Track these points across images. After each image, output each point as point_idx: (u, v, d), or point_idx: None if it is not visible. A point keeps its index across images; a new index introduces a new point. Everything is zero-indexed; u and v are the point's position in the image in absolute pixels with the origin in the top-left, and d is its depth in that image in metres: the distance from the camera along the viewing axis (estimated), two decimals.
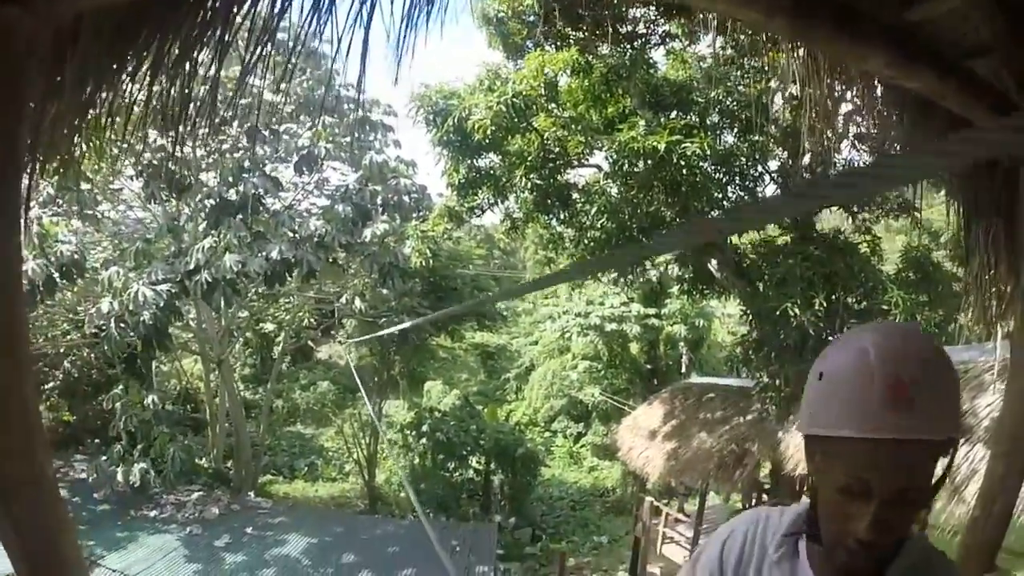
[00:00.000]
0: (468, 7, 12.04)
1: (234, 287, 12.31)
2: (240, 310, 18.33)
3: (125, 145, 14.37)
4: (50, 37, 1.71)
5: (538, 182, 11.80)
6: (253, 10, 2.18)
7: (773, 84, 10.24)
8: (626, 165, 11.06)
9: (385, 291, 16.23)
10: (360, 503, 20.21)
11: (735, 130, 11.51)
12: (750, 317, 11.70)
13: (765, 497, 13.03)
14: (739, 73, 10.98)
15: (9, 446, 1.42)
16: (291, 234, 13.65)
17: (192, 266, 11.92)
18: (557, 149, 11.82)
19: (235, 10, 2.16)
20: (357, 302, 16.30)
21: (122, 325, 10.94)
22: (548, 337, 25.91)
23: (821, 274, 10.08)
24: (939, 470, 1.13)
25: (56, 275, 11.35)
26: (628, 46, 11.58)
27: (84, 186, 13.12)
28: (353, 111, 15.97)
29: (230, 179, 13.24)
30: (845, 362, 1.10)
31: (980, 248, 3.50)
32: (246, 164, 13.51)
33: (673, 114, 10.80)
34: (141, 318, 10.88)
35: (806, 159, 12.02)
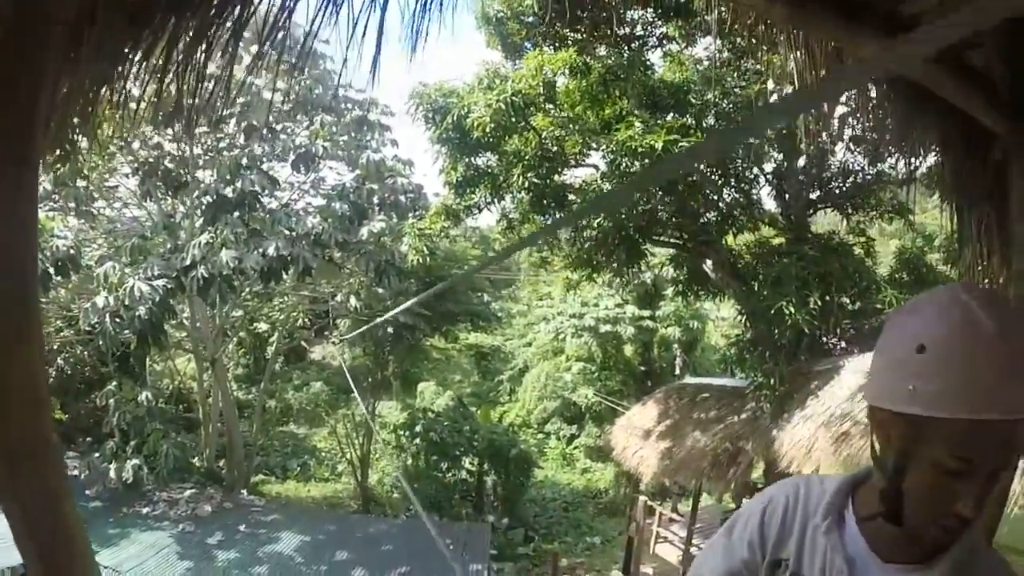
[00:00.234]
0: (469, 6, 12.17)
1: (230, 283, 12.30)
2: (234, 309, 18.30)
3: (123, 142, 14.43)
4: (66, 29, 1.73)
5: (535, 181, 11.83)
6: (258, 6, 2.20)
7: (770, 85, 10.37)
8: (623, 164, 11.14)
9: (380, 290, 16.23)
10: (353, 503, 20.17)
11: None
12: (745, 317, 11.77)
13: None
14: (736, 75, 11.08)
15: (20, 418, 1.45)
16: (288, 231, 13.67)
17: (188, 262, 11.89)
18: (555, 148, 11.88)
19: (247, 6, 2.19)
20: (352, 301, 16.28)
21: (117, 320, 10.90)
22: (542, 339, 25.94)
23: (816, 274, 10.16)
24: None
25: (51, 270, 11.34)
26: (626, 48, 11.68)
27: (80, 183, 13.10)
28: (351, 110, 16.04)
29: (227, 176, 13.26)
30: (953, 334, 1.01)
31: (972, 239, 3.56)
32: (244, 161, 13.51)
33: (670, 115, 10.86)
34: (136, 313, 10.84)
35: (801, 160, 12.15)
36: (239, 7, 2.25)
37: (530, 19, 11.82)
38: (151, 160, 14.28)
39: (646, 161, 10.66)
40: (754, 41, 9.66)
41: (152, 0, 2.07)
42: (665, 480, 13.90)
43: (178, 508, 13.45)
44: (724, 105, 11.02)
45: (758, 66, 10.43)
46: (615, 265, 12.88)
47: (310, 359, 25.85)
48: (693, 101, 11.01)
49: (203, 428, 17.05)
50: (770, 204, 12.85)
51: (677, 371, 22.87)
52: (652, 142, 9.85)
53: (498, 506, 20.20)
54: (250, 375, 23.44)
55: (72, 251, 11.42)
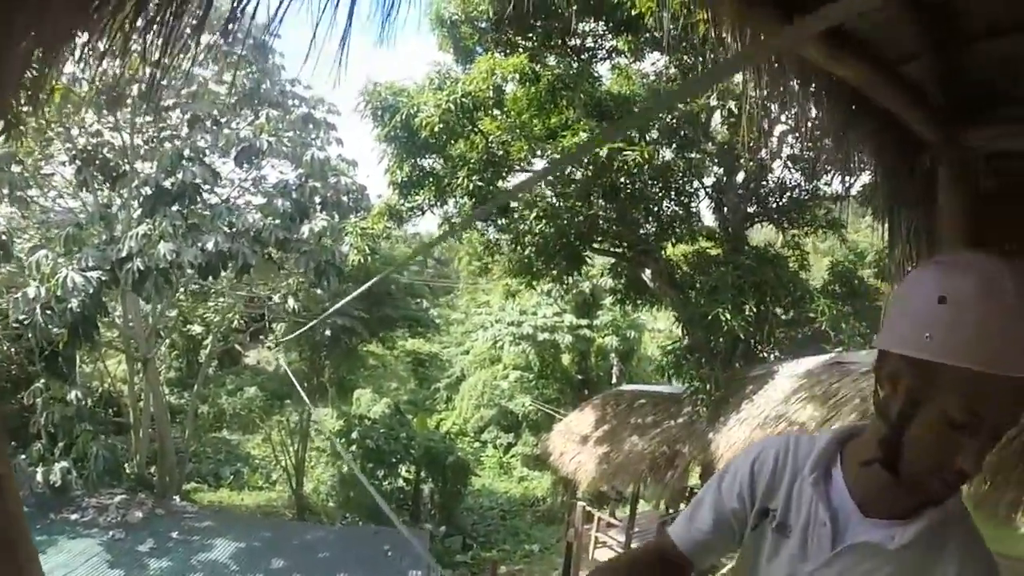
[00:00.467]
0: (424, 7, 12.22)
1: (167, 277, 11.93)
2: (169, 308, 17.75)
3: (62, 127, 13.84)
4: None
5: (479, 184, 11.87)
6: None
7: (713, 102, 10.73)
8: (567, 171, 11.35)
9: (319, 291, 15.99)
10: (288, 512, 19.73)
11: (673, 146, 11.91)
12: (682, 324, 12.08)
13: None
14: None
15: None
16: (227, 228, 13.36)
17: (124, 254, 11.49)
18: (500, 153, 11.98)
19: None
20: (290, 301, 16.00)
21: (48, 312, 10.43)
22: (480, 347, 25.95)
23: (751, 282, 10.53)
24: None
25: None
26: (575, 59, 11.91)
27: (15, 168, 12.50)
28: (298, 107, 15.86)
29: (168, 167, 12.87)
30: (975, 289, 1.03)
31: (902, 241, 3.81)
32: (186, 153, 13.14)
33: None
34: (69, 306, 10.42)
35: (740, 175, 12.60)
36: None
37: (483, 24, 11.92)
38: (89, 148, 13.77)
39: (589, 168, 10.92)
40: (700, 59, 10.04)
41: None
42: (603, 485, 14.05)
43: (108, 514, 12.90)
44: (668, 120, 11.31)
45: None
46: (555, 272, 13.04)
47: (244, 363, 25.23)
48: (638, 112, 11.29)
49: (133, 432, 16.40)
50: (709, 217, 13.26)
51: (614, 380, 23.22)
52: (597, 150, 10.08)
53: (435, 514, 20.09)
54: (182, 379, 22.69)
55: (3, 238, 10.87)
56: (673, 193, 12.32)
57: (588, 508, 15.05)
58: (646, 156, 10.04)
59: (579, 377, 24.06)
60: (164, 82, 14.24)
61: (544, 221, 11.75)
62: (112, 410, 17.13)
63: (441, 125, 10.77)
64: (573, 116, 11.34)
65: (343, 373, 23.74)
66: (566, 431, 15.47)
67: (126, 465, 15.84)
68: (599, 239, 12.77)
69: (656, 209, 12.25)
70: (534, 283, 14.39)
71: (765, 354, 11.81)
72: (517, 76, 11.26)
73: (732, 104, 9.90)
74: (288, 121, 15.71)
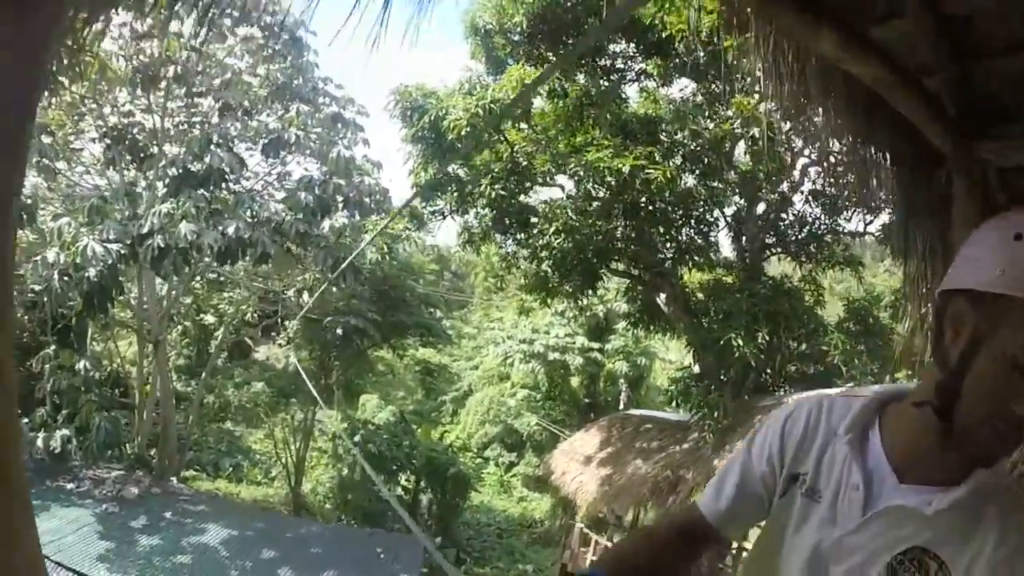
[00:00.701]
0: (459, 16, 12.40)
1: (185, 257, 12.06)
2: (184, 294, 17.90)
3: (94, 103, 14.12)
4: None
5: (502, 193, 11.95)
6: None
7: (738, 129, 10.74)
8: (589, 185, 11.37)
9: (335, 288, 16.06)
10: (284, 509, 19.65)
11: (696, 172, 11.90)
12: (693, 350, 11.99)
13: None
14: (707, 120, 11.41)
15: None
16: (249, 216, 13.50)
17: (146, 230, 11.62)
18: (524, 163, 12.04)
19: None
20: (305, 296, 16.07)
21: (65, 279, 10.56)
22: (489, 362, 25.90)
23: (766, 312, 10.44)
24: None
25: None
26: (604, 78, 11.98)
27: (45, 139, 12.73)
28: (328, 105, 16.05)
29: (196, 151, 13.06)
30: None
31: (916, 253, 3.76)
32: (215, 139, 13.34)
33: (640, 146, 11.13)
34: (86, 274, 10.54)
35: (761, 207, 12.56)
36: None
37: (516, 37, 12.04)
38: (120, 127, 14.00)
39: (612, 183, 10.92)
40: (727, 86, 10.06)
41: None
42: (603, 507, 13.87)
43: (104, 487, 12.90)
44: (692, 146, 11.28)
45: (728, 112, 10.82)
46: (570, 289, 13.03)
47: (254, 358, 25.27)
48: (663, 138, 11.28)
49: (137, 413, 16.45)
50: (727, 245, 13.22)
51: (621, 406, 23.00)
52: (619, 165, 10.10)
53: (432, 525, 19.93)
54: (191, 367, 22.75)
55: (29, 201, 11.02)
56: (693, 220, 12.29)
57: (586, 531, 14.88)
58: (668, 176, 10.02)
59: (587, 400, 23.91)
60: (199, 68, 14.67)
61: (563, 236, 11.74)
62: (119, 390, 17.21)
63: (468, 129, 10.86)
64: (598, 135, 11.38)
65: (351, 376, 23.72)
66: (570, 451, 15.37)
67: (127, 445, 15.87)
68: (616, 258, 12.75)
69: (675, 233, 12.23)
70: (549, 300, 14.39)
71: (775, 387, 11.66)
72: (545, 91, 11.35)
73: (756, 131, 9.91)
74: (317, 118, 15.89)
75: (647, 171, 10.09)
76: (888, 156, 3.87)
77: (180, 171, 12.79)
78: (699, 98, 11.71)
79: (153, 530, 12.13)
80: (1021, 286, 1.01)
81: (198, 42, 13.46)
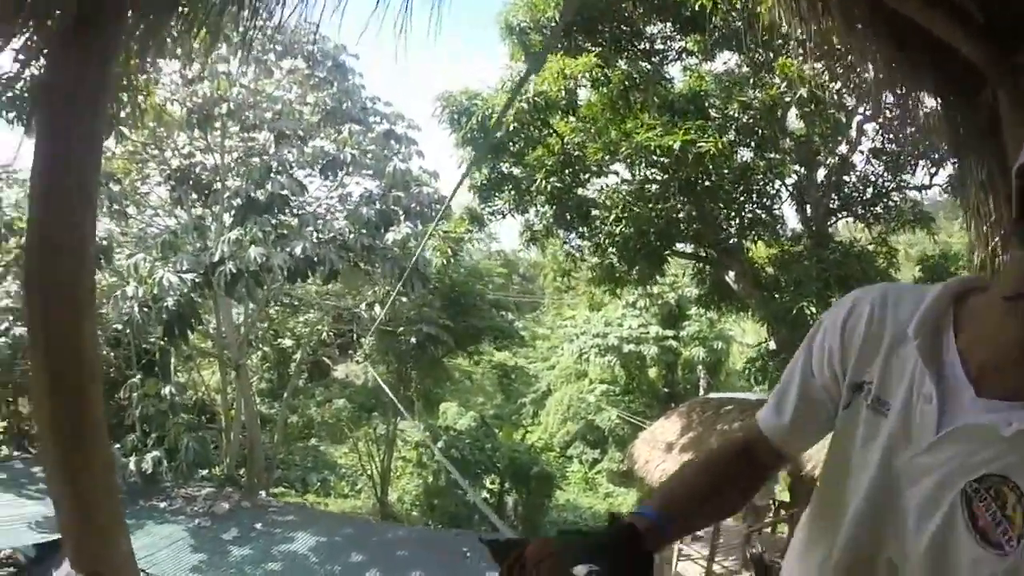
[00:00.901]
0: (494, 19, 12.49)
1: (257, 279, 12.57)
2: (260, 320, 18.59)
3: (156, 149, 14.95)
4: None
5: (558, 186, 11.95)
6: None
7: (786, 95, 10.45)
8: (643, 167, 11.27)
9: (405, 299, 16.41)
10: (371, 519, 20.15)
11: (752, 146, 11.63)
12: (767, 325, 11.72)
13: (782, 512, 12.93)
14: (754, 90, 11.14)
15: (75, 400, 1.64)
16: (315, 235, 13.98)
17: (217, 257, 12.18)
18: (577, 154, 12.01)
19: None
20: (377, 309, 16.47)
21: (145, 310, 11.17)
22: (565, 360, 25.88)
23: (836, 276, 10.13)
24: None
25: None
26: (645, 62, 11.85)
27: (113, 187, 13.50)
28: (379, 123, 16.47)
29: (257, 180, 13.64)
30: None
31: (974, 178, 3.59)
32: (274, 166, 13.90)
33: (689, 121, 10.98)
34: (165, 303, 11.12)
35: (821, 172, 12.19)
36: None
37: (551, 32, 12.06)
38: (183, 168, 14.73)
39: (664, 162, 10.79)
40: (770, 53, 9.81)
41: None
42: None
43: (195, 504, 13.48)
44: (744, 119, 11.04)
45: (776, 79, 10.54)
46: (637, 275, 12.92)
47: (333, 376, 26.00)
48: (713, 114, 11.09)
49: (224, 436, 17.17)
50: (791, 216, 12.90)
51: (701, 393, 22.63)
52: (670, 142, 9.97)
53: (518, 525, 20.03)
54: (273, 390, 23.58)
55: (104, 242, 11.69)
56: (754, 195, 12.03)
57: None
58: (719, 147, 9.83)
59: (665, 390, 23.62)
60: (251, 103, 15.32)
61: (623, 222, 11.65)
62: (205, 416, 18.04)
63: (516, 124, 10.94)
64: (647, 118, 11.26)
65: (429, 385, 24.07)
66: (651, 439, 15.18)
67: (216, 467, 16.61)
68: (680, 239, 12.60)
69: (737, 209, 12.00)
70: (618, 290, 14.31)
71: None
72: (588, 79, 11.32)
73: (803, 91, 9.62)
74: (370, 137, 16.30)
75: (698, 145, 9.93)
76: (932, 88, 3.74)
77: (244, 200, 13.37)
78: (744, 69, 11.45)
79: (244, 541, 12.54)
80: None
81: (246, 79, 14.12)
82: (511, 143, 11.68)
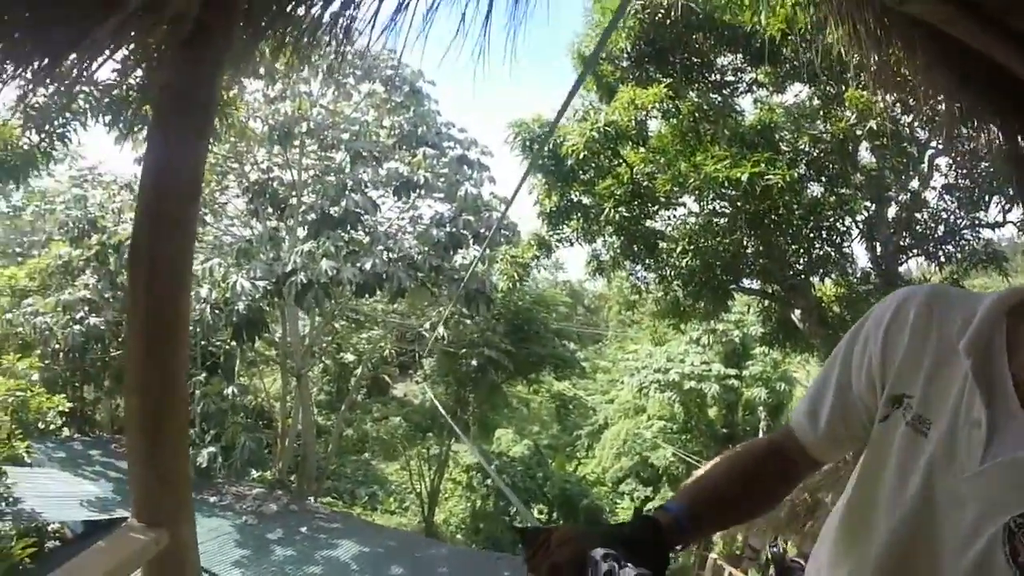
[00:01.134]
0: (566, 50, 12.76)
1: (327, 291, 13.03)
2: (324, 333, 19.14)
3: (235, 162, 15.77)
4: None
5: (626, 215, 12.00)
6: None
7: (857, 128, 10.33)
8: (711, 198, 11.26)
9: (468, 322, 16.68)
10: (417, 535, 20.29)
11: (822, 180, 11.50)
12: None
13: None
14: (826, 124, 11.05)
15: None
16: (385, 253, 14.43)
17: (289, 268, 12.71)
18: (646, 184, 12.08)
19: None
20: (441, 329, 16.78)
21: (216, 312, 11.73)
22: (625, 395, 25.61)
23: None
24: None
25: None
26: (716, 95, 11.89)
27: None
28: (453, 148, 16.93)
29: (333, 197, 14.19)
30: None
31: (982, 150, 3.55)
32: (349, 184, 14.45)
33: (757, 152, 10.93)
34: (236, 307, 11.66)
35: (892, 208, 11.92)
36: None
37: (624, 63, 12.21)
38: (260, 182, 15.44)
39: (732, 195, 10.76)
40: (842, 85, 9.74)
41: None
42: (738, 539, 13.34)
43: (244, 502, 13.85)
44: (814, 153, 10.95)
45: (848, 112, 10.44)
46: (702, 310, 12.83)
47: (392, 394, 26.43)
48: (783, 147, 11.03)
49: (280, 442, 17.63)
50: (860, 253, 12.62)
51: (761, 435, 22.07)
52: (738, 174, 9.95)
53: None
54: (331, 402, 24.08)
55: None
56: (824, 231, 11.85)
57: (720, 562, 14.30)
58: (788, 180, 9.76)
59: (724, 430, 23.09)
60: (330, 123, 16.00)
61: (690, 255, 11.64)
62: (262, 421, 18.62)
63: (586, 153, 11.10)
64: (717, 150, 11.25)
65: (486, 411, 24.20)
66: None
67: (268, 470, 17.07)
68: (746, 274, 12.48)
69: (806, 245, 11.83)
70: (682, 325, 14.21)
71: None
72: (658, 111, 11.42)
73: (874, 124, 9.49)
74: (443, 161, 16.73)
75: (766, 178, 9.89)
76: (998, 122, 3.72)
77: (319, 215, 13.93)
78: (815, 101, 11.37)
79: (288, 542, 12.80)
80: None
81: (326, 100, 14.80)
82: (581, 171, 11.81)
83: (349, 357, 23.10)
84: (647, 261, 12.94)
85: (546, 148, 11.77)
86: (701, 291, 12.03)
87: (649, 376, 22.32)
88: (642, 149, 12.01)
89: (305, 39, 2.89)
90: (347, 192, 14.22)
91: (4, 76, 2.25)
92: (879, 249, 11.79)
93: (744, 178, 9.76)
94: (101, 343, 14.40)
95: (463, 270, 15.24)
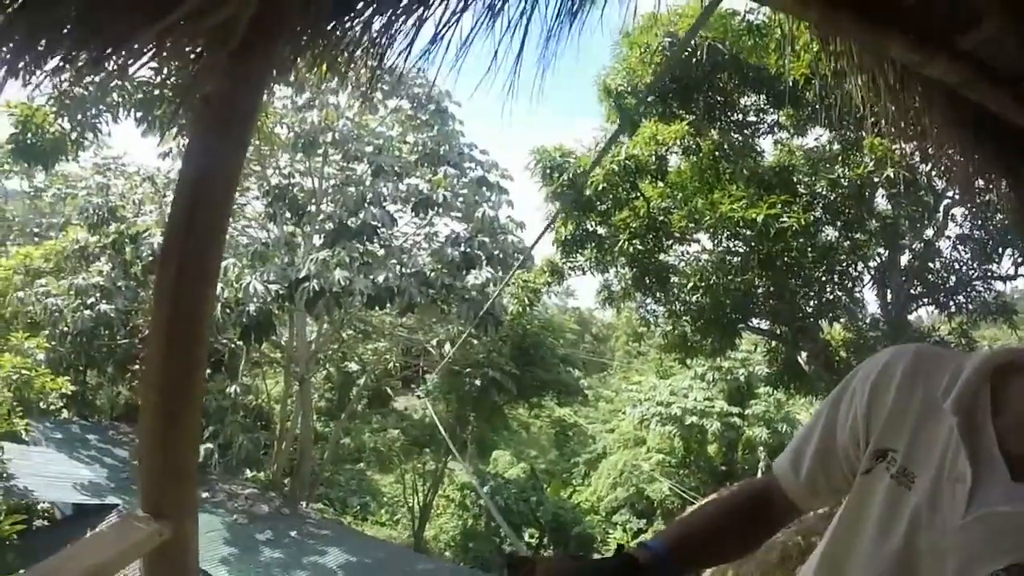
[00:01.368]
0: (593, 81, 12.93)
1: (338, 300, 13.14)
2: (331, 341, 19.23)
3: (258, 165, 15.97)
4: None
5: (640, 249, 12.09)
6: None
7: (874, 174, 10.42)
8: (725, 238, 11.34)
9: (476, 341, 16.73)
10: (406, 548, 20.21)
11: (837, 225, 11.57)
12: None
13: None
14: (844, 169, 11.14)
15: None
16: (399, 268, 14.56)
17: (303, 274, 12.86)
18: (662, 219, 12.17)
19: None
20: (447, 348, 16.84)
21: (227, 311, 11.87)
22: (626, 426, 25.54)
23: None
24: None
25: None
26: (737, 135, 12.01)
27: None
28: (473, 169, 17.09)
29: (352, 208, 14.38)
30: None
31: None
32: (368, 197, 14.64)
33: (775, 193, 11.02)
34: (247, 308, 11.80)
35: (905, 255, 11.97)
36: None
37: (649, 98, 12.36)
38: (281, 187, 15.63)
39: (747, 235, 10.85)
40: (862, 132, 9.86)
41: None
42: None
43: (237, 501, 13.88)
44: (831, 197, 11.03)
45: (866, 158, 10.54)
46: (709, 346, 12.87)
47: (392, 407, 26.43)
48: (800, 190, 11.12)
49: (277, 444, 17.68)
50: (871, 299, 12.66)
51: (759, 475, 21.92)
52: (753, 215, 10.05)
53: None
54: (331, 409, 24.09)
55: None
56: (836, 275, 11.91)
57: None
58: (803, 223, 9.85)
59: (723, 468, 22.95)
60: (355, 135, 16.21)
61: (701, 291, 11.73)
62: (261, 422, 18.66)
63: (605, 185, 11.22)
64: (735, 190, 11.34)
65: (486, 431, 24.16)
66: None
67: (263, 472, 17.09)
68: (756, 314, 12.54)
69: (818, 288, 11.90)
70: (688, 360, 14.25)
71: None
72: (679, 147, 11.55)
73: (891, 171, 9.59)
74: (463, 181, 16.88)
75: (781, 220, 9.98)
76: (1009, 177, 3.81)
77: (336, 225, 14.12)
78: (835, 146, 11.48)
79: (276, 545, 12.80)
80: None
81: (352, 112, 15.03)
82: (599, 202, 11.91)
83: (353, 366, 23.13)
84: (658, 294, 13.03)
85: (565, 177, 11.93)
86: (709, 328, 12.11)
87: (651, 408, 22.25)
88: (660, 184, 12.13)
89: (340, 57, 3.01)
90: (366, 204, 14.41)
91: (49, 67, 2.35)
92: (890, 296, 11.84)
93: (760, 219, 9.86)
94: (109, 330, 14.50)
95: (474, 290, 15.31)
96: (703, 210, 11.54)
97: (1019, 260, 11.06)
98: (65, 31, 2.29)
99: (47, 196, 19.91)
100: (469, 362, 18.84)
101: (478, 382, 18.80)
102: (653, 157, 11.57)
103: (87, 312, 13.49)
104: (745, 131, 12.00)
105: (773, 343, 13.68)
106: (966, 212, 11.24)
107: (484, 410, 21.55)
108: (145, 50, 2.46)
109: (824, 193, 10.87)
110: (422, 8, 2.71)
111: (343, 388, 24.09)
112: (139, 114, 11.22)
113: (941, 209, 11.61)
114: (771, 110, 11.75)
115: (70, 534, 9.32)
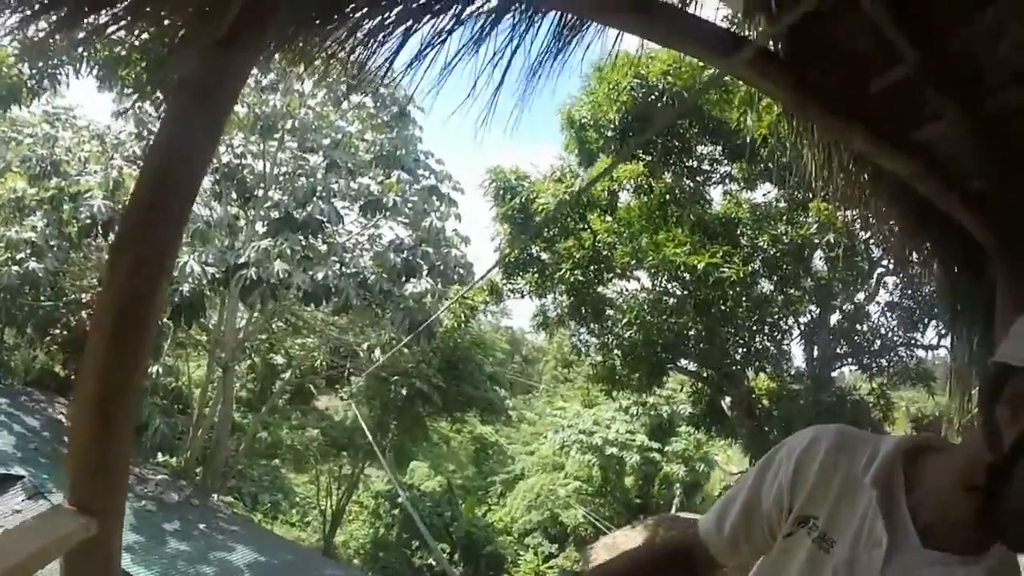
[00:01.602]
0: (556, 107, 13.09)
1: (274, 293, 12.86)
2: (260, 331, 18.74)
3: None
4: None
5: (581, 279, 12.27)
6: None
7: (815, 236, 10.87)
8: (665, 280, 11.62)
9: (407, 351, 16.55)
10: (317, 553, 19.76)
11: (774, 279, 11.99)
12: (751, 457, 11.81)
13: None
14: (788, 227, 11.57)
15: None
16: (339, 266, 14.32)
17: (242, 260, 12.55)
18: (606, 253, 12.38)
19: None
20: (377, 353, 16.63)
21: None
22: (546, 449, 25.65)
23: (828, 421, 10.22)
24: None
25: (99, 228, 12.12)
26: (690, 178, 12.35)
27: None
28: (427, 177, 16.98)
29: (300, 199, 14.12)
30: None
31: (964, 354, 3.86)
32: (318, 190, 14.39)
33: (717, 243, 11.34)
34: (180, 288, 11.43)
35: (835, 316, 12.50)
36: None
37: (609, 132, 12.57)
38: (231, 165, 15.26)
39: (686, 279, 11.14)
40: (809, 193, 10.28)
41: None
42: None
43: (146, 487, 13.29)
44: (772, 252, 11.43)
45: (811, 219, 10.97)
46: (636, 381, 13.10)
47: (314, 406, 25.90)
48: (743, 243, 11.49)
49: (192, 431, 17.08)
50: (798, 353, 13.13)
51: (674, 510, 22.28)
52: (695, 262, 10.35)
53: None
54: (252, 401, 23.36)
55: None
56: (767, 327, 12.32)
57: None
58: (741, 275, 10.19)
59: (638, 501, 23.26)
60: (313, 126, 15.93)
61: (635, 328, 11.96)
62: (179, 406, 18.00)
63: (555, 213, 11.38)
64: (680, 233, 11.64)
65: (406, 441, 23.94)
66: (612, 545, 14.98)
67: (175, 458, 16.47)
68: (685, 356, 12.85)
69: (748, 337, 12.28)
70: (614, 392, 14.47)
71: None
72: (632, 185, 11.80)
73: (831, 237, 10.02)
74: (415, 188, 16.75)
75: (721, 270, 10.29)
76: (940, 258, 4.03)
77: (282, 214, 13.82)
78: (781, 204, 11.93)
79: (184, 536, 12.35)
80: None
81: (314, 102, 14.79)
82: (546, 228, 12.08)
83: (279, 359, 22.53)
84: (592, 325, 13.24)
85: (516, 201, 12.05)
86: (639, 363, 12.35)
87: (573, 435, 22.40)
88: (609, 218, 12.37)
89: (321, 57, 2.97)
90: (315, 198, 14.16)
91: (29, 22, 2.26)
92: (816, 352, 12.31)
93: (700, 266, 10.17)
94: (35, 289, 13.79)
95: (412, 299, 15.17)
96: (647, 249, 11.80)
97: (942, 331, 11.68)
98: None
99: None
100: (397, 370, 18.64)
101: (404, 391, 18.65)
102: (605, 192, 11.81)
103: (15, 268, 12.78)
104: (697, 178, 12.36)
105: (699, 385, 14.03)
106: (897, 281, 11.82)
107: (406, 420, 21.36)
108: (126, 18, 2.39)
109: (765, 248, 11.26)
110: (411, 21, 2.71)
111: (266, 380, 23.44)
112: (102, 72, 10.81)
113: (874, 276, 12.18)
114: (725, 162, 12.14)
115: None
